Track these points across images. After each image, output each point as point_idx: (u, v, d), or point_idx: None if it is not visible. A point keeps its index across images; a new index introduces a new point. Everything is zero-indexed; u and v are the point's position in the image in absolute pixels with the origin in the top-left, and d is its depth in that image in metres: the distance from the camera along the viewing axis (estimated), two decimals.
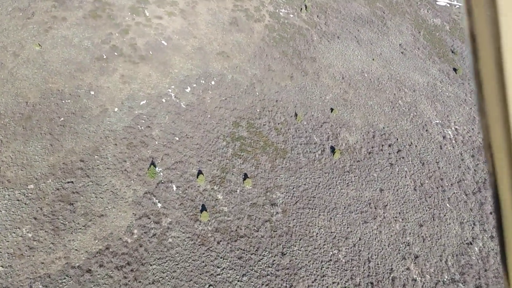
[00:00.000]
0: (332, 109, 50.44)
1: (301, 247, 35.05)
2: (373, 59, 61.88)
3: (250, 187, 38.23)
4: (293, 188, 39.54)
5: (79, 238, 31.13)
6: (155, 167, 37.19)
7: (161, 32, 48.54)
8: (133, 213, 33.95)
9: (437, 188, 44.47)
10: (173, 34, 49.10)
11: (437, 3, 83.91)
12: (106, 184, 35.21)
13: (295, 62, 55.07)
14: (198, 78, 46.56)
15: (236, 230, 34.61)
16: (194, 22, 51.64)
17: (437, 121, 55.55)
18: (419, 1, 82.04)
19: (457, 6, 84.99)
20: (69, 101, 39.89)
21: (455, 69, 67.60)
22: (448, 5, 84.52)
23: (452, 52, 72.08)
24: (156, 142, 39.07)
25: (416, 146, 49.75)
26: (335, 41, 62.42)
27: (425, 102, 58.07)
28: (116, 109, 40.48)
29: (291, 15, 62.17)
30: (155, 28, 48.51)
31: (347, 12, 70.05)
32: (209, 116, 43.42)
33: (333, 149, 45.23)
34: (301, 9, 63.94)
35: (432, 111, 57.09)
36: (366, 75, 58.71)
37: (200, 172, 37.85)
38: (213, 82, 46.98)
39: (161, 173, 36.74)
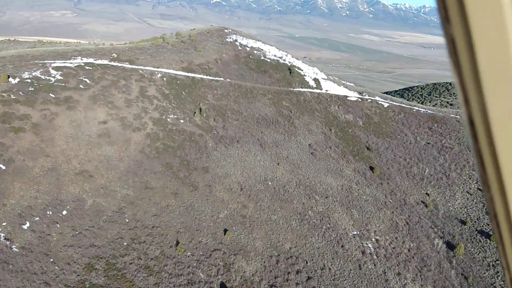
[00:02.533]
0: (226, 231, 44.48)
1: None
2: (278, 164, 58.78)
3: None
4: None
5: None
6: None
7: (0, 154, 41.58)
8: None
9: None
10: (17, 154, 42.32)
11: (348, 98, 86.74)
12: None
13: (182, 175, 49.88)
14: (44, 209, 39.02)
15: None
16: (50, 138, 45.61)
17: (355, 233, 51.46)
18: (329, 98, 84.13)
19: (369, 100, 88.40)
20: None
21: (371, 168, 66.51)
22: (360, 99, 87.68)
23: (368, 148, 72.02)
24: None
25: (330, 269, 44.25)
26: (234, 146, 59.09)
27: (339, 210, 54.41)
28: None
29: (181, 121, 58.75)
30: None
31: (249, 114, 68.58)
32: (51, 260, 35.18)
33: (223, 287, 38.13)
34: (195, 113, 61.10)
35: (348, 220, 53.26)
36: (270, 183, 54.73)
37: None
38: (64, 212, 39.58)
39: None
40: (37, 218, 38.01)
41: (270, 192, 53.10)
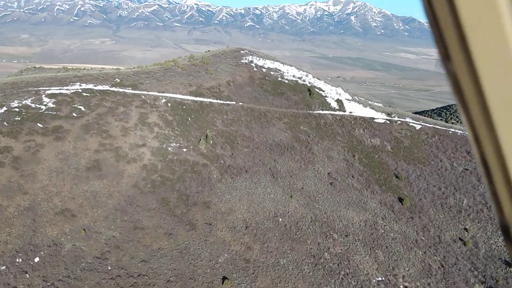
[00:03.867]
0: (224, 279, 39.14)
1: None
2: (291, 197, 53.21)
3: None
4: None
5: None
6: None
7: None
8: None
9: None
10: None
11: (374, 120, 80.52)
12: None
13: (179, 212, 45.18)
14: (14, 255, 35.09)
15: None
16: (31, 173, 42.16)
17: (379, 279, 44.92)
18: (353, 120, 78.22)
19: (398, 122, 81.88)
20: None
21: (400, 199, 59.75)
22: (388, 121, 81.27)
23: (396, 177, 65.30)
24: None
25: None
26: (242, 177, 54.11)
27: (361, 251, 48.03)
28: None
29: (184, 149, 54.50)
30: None
31: (262, 140, 63.66)
32: None
33: None
34: (200, 140, 56.74)
35: (371, 263, 46.79)
36: (280, 219, 49.19)
37: None
38: (37, 259, 35.49)
39: None
40: (3, 268, 34.01)
41: (280, 231, 47.48)
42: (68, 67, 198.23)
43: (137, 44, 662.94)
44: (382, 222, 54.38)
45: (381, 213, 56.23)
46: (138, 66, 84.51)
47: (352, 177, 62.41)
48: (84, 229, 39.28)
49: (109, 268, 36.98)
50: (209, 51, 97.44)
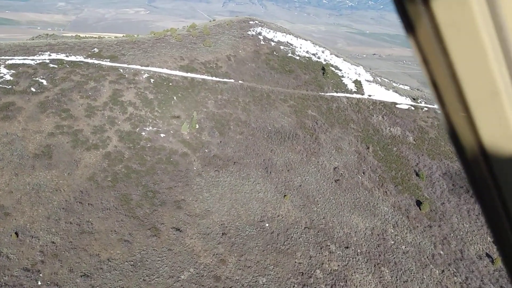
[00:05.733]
0: None
1: None
2: (284, 196, 45.56)
3: None
4: None
5: None
6: None
7: None
8: None
9: None
10: None
11: (397, 106, 71.14)
12: None
13: (141, 213, 38.26)
14: None
15: None
16: None
17: None
18: (371, 105, 69.11)
19: (425, 109, 72.20)
20: None
21: (419, 202, 51.33)
22: (413, 108, 71.75)
23: (417, 174, 56.62)
24: None
25: None
26: (228, 171, 46.66)
27: (363, 268, 40.26)
28: None
29: (162, 135, 47.33)
30: None
31: (259, 125, 55.75)
32: None
33: None
34: (183, 124, 49.38)
35: (374, 284, 39.07)
36: (267, 225, 41.78)
37: None
38: None
39: None
40: None
41: (264, 240, 40.04)
42: (81, 36, 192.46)
43: (172, 14, 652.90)
44: (392, 231, 46.22)
45: (393, 219, 48.00)
46: (126, 34, 77.21)
47: (363, 173, 54.03)
48: (16, 232, 32.84)
49: (39, 283, 30.53)
50: (214, 20, 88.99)
